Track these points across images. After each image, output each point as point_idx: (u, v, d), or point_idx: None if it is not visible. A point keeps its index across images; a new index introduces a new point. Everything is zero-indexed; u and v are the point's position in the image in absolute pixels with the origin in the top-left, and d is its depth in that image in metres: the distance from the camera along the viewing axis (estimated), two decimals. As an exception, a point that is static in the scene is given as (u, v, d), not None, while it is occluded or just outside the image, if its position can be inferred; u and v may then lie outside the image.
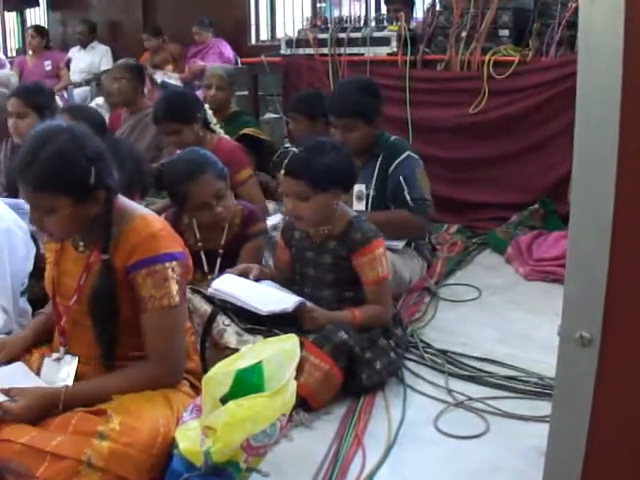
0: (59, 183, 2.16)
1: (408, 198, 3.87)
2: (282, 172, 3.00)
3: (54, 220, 2.23)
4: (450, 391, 2.96)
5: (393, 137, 4.14)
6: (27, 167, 2.17)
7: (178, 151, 4.44)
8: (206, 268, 3.40)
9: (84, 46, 9.18)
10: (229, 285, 3.00)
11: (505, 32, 5.22)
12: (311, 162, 2.95)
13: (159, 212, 3.86)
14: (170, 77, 7.96)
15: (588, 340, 1.29)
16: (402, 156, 3.96)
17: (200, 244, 3.43)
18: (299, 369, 2.59)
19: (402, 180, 3.87)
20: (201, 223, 3.41)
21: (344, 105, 3.98)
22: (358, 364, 2.85)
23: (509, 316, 3.71)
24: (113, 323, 2.32)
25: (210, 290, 2.95)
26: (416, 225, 3.93)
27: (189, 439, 2.13)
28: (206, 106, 4.60)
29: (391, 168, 3.92)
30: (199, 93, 5.98)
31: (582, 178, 1.28)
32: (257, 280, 3.16)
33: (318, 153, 2.99)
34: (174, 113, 4.28)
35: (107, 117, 6.32)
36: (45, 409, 2.18)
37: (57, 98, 5.20)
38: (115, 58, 9.07)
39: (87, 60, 9.11)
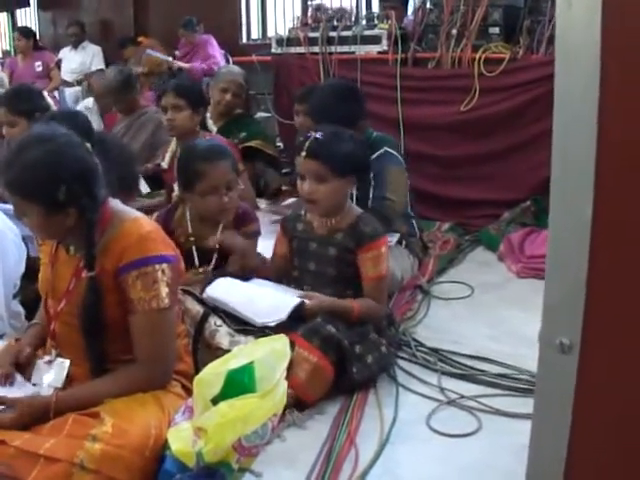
0: (27, 192, 2.19)
1: (370, 195, 3.90)
2: (303, 154, 3.03)
3: (29, 223, 2.28)
4: (442, 389, 2.96)
5: (376, 134, 4.14)
6: (6, 169, 2.21)
7: (170, 149, 4.46)
8: (197, 262, 3.37)
9: (75, 46, 9.15)
10: (223, 291, 3.00)
11: (495, 29, 5.23)
12: (332, 146, 3.02)
13: (150, 210, 3.88)
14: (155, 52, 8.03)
15: (568, 347, 1.29)
16: (379, 152, 3.98)
17: (192, 239, 3.42)
18: (290, 365, 2.60)
19: (372, 175, 3.88)
20: (203, 211, 3.38)
21: (322, 112, 3.98)
22: (348, 359, 2.84)
23: (501, 314, 3.71)
24: (102, 338, 2.33)
25: (204, 295, 2.95)
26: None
27: (181, 440, 2.13)
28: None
29: None
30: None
31: (561, 183, 1.29)
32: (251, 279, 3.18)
33: (339, 139, 3.06)
34: (183, 90, 4.37)
35: (97, 118, 6.34)
36: (36, 418, 2.18)
37: (48, 98, 5.19)
38: (106, 58, 9.07)
39: (78, 60, 9.08)
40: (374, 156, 3.94)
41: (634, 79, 1.18)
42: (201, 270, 3.31)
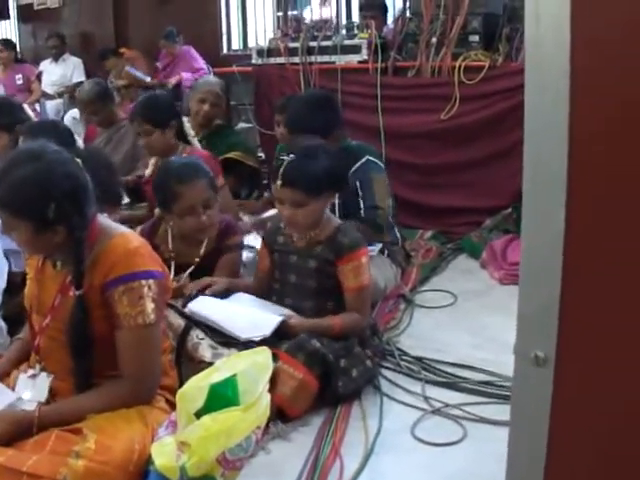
0: (16, 209, 2.18)
1: (361, 205, 3.90)
2: (278, 182, 3.01)
3: (17, 239, 2.27)
4: (426, 398, 2.96)
5: (354, 143, 4.15)
6: None
7: (151, 161, 4.45)
8: (172, 276, 3.35)
9: (55, 59, 9.14)
10: (206, 308, 3.00)
11: (475, 37, 5.24)
12: (306, 170, 2.99)
13: (133, 221, 3.87)
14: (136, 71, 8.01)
15: (543, 360, 1.30)
16: (361, 160, 4.00)
17: (173, 254, 3.41)
18: (274, 380, 2.60)
19: (358, 185, 3.89)
20: (183, 230, 3.38)
21: (297, 122, 3.99)
22: (334, 372, 2.85)
23: (484, 321, 3.72)
24: (89, 354, 2.31)
25: (187, 310, 2.95)
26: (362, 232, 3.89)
27: (165, 455, 2.12)
28: (185, 119, 4.60)
29: (350, 172, 3.89)
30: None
31: (533, 196, 1.29)
32: (230, 294, 3.18)
33: (311, 159, 3.02)
34: (148, 114, 4.29)
35: (83, 129, 6.33)
36: (19, 433, 2.17)
37: (29, 111, 5.17)
38: (87, 70, 9.05)
39: (59, 73, 9.07)
40: (357, 165, 3.96)
41: (603, 92, 1.19)
42: (176, 279, 3.30)
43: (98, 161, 3.26)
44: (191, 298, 3.06)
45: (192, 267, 3.39)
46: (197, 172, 3.34)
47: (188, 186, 3.26)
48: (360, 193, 3.94)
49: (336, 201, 3.86)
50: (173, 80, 7.83)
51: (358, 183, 3.92)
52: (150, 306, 2.29)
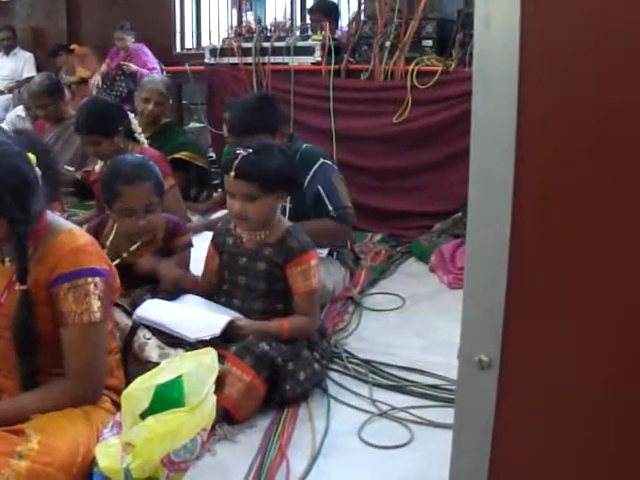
0: None
1: (330, 208, 3.89)
2: (231, 174, 2.98)
3: None
4: (374, 401, 2.96)
5: (304, 146, 4.15)
6: None
7: (100, 161, 4.39)
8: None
9: (7, 52, 9.01)
10: (154, 311, 2.98)
11: (429, 42, 5.28)
12: (261, 164, 2.97)
13: (80, 223, 3.82)
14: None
15: (487, 364, 1.30)
16: (316, 164, 3.99)
17: (106, 250, 3.36)
18: (221, 382, 2.59)
19: (321, 189, 3.89)
20: (120, 230, 3.36)
21: (239, 125, 3.99)
22: (281, 376, 2.84)
23: (433, 324, 3.74)
24: (34, 351, 2.27)
25: (134, 317, 2.91)
26: (340, 233, 3.97)
27: (109, 456, 2.10)
28: (132, 116, 4.55)
29: (307, 177, 3.90)
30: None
31: (478, 202, 1.30)
32: (179, 295, 3.17)
33: (267, 155, 3.01)
34: (94, 126, 4.19)
35: (28, 127, 6.25)
36: None
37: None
38: (38, 65, 8.93)
39: (9, 67, 8.93)
40: (314, 168, 3.95)
41: (552, 99, 1.20)
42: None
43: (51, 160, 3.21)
44: (137, 304, 3.04)
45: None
46: (143, 175, 3.30)
47: (131, 188, 3.23)
48: (325, 197, 3.93)
49: (287, 205, 3.85)
50: (133, 66, 7.73)
51: (320, 188, 3.91)
52: (96, 304, 2.26)
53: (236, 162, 2.97)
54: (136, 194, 3.24)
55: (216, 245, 3.29)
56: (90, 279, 2.26)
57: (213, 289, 3.30)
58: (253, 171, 2.96)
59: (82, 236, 2.34)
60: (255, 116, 3.94)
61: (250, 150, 3.01)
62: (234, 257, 3.20)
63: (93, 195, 4.64)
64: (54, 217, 2.38)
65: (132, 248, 3.33)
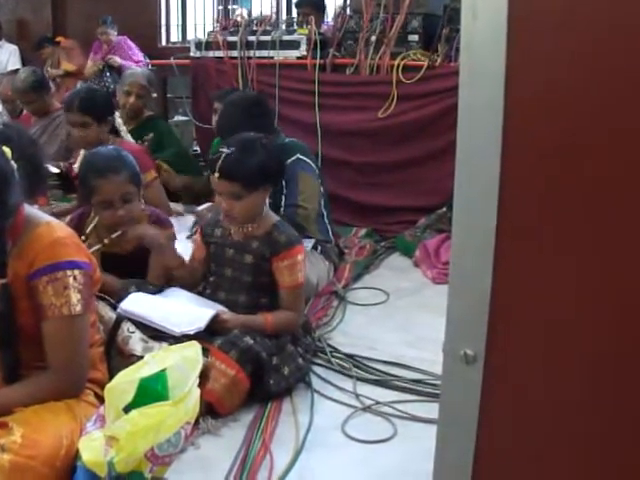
0: None
1: (282, 202, 3.91)
2: (216, 175, 3.00)
3: None
4: (358, 396, 2.97)
5: (287, 140, 4.14)
6: None
7: (82, 152, 4.37)
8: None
9: (-9, 44, 8.97)
10: (139, 305, 2.96)
11: (414, 37, 5.29)
12: (244, 163, 2.98)
13: (64, 214, 3.80)
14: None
15: (472, 358, 1.31)
16: (291, 159, 3.99)
17: (102, 245, 3.36)
18: (205, 375, 2.59)
19: (284, 183, 3.90)
20: (101, 222, 3.35)
21: (229, 132, 3.96)
22: (265, 370, 2.84)
23: (417, 319, 3.74)
24: (15, 345, 2.27)
25: (119, 311, 2.90)
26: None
27: (92, 450, 2.08)
28: (117, 113, 4.53)
29: None
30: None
31: (464, 195, 1.30)
32: (164, 289, 3.18)
33: (249, 152, 3.02)
34: (88, 106, 4.21)
35: (6, 120, 6.21)
36: None
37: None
38: (23, 58, 8.88)
39: (-6, 59, 8.90)
40: (287, 163, 3.94)
41: (539, 91, 1.20)
42: None
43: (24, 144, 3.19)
44: (122, 298, 3.02)
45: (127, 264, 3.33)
46: (117, 166, 3.26)
47: (106, 180, 3.20)
48: (284, 190, 3.94)
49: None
50: (118, 59, 7.70)
51: (284, 182, 3.92)
52: (76, 297, 2.25)
53: (219, 163, 2.98)
54: (111, 186, 3.21)
55: (204, 235, 3.29)
56: (69, 272, 2.25)
57: (198, 279, 3.31)
58: (236, 171, 2.97)
59: (60, 229, 2.33)
60: (246, 122, 3.91)
61: (233, 148, 3.00)
62: (221, 249, 3.20)
63: (75, 188, 4.62)
64: (32, 210, 2.36)
65: (114, 235, 3.31)
